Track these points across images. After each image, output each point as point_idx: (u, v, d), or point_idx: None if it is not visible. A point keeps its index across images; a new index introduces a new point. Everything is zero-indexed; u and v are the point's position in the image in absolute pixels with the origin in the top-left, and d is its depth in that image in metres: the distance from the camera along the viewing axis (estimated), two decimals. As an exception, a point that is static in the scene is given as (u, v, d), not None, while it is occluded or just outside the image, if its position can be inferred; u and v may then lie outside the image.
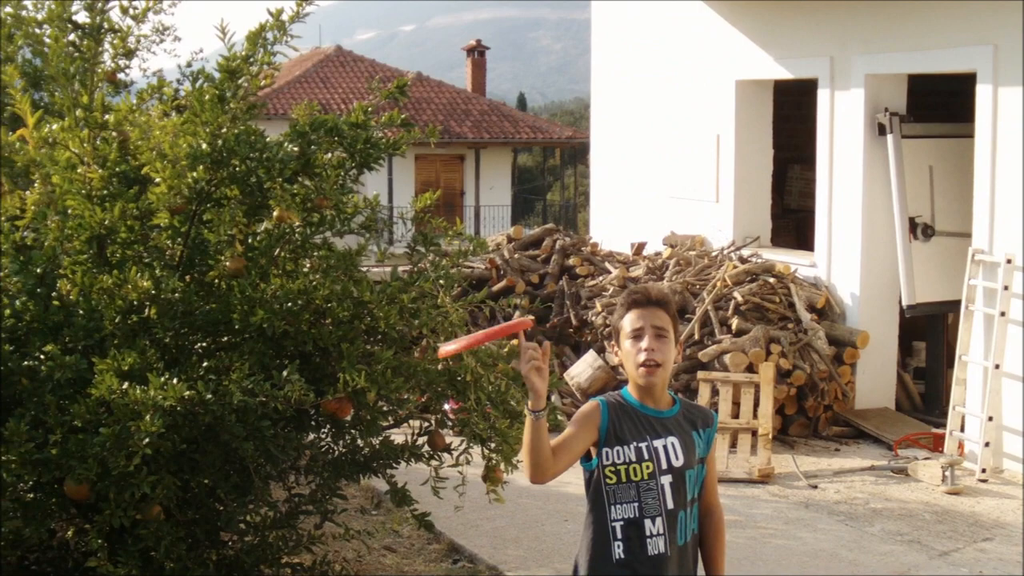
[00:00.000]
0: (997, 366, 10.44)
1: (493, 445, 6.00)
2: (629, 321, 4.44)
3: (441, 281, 6.01)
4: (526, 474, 4.20)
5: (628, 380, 4.48)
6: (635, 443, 4.34)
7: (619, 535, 4.32)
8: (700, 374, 11.22)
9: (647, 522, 4.31)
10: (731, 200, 13.73)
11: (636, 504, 4.32)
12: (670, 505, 4.33)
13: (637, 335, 4.40)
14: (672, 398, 4.51)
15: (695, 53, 14.32)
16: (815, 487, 10.10)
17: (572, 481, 4.36)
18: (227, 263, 5.72)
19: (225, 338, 5.70)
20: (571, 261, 13.73)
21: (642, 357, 4.37)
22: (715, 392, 11.11)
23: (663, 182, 14.91)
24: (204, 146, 5.66)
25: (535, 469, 4.16)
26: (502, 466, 6.00)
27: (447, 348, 4.35)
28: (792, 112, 14.56)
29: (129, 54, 6.74)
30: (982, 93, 10.68)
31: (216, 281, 5.81)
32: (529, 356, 4.08)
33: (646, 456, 4.33)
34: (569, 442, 4.27)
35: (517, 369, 4.77)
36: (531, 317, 4.55)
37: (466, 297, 6.40)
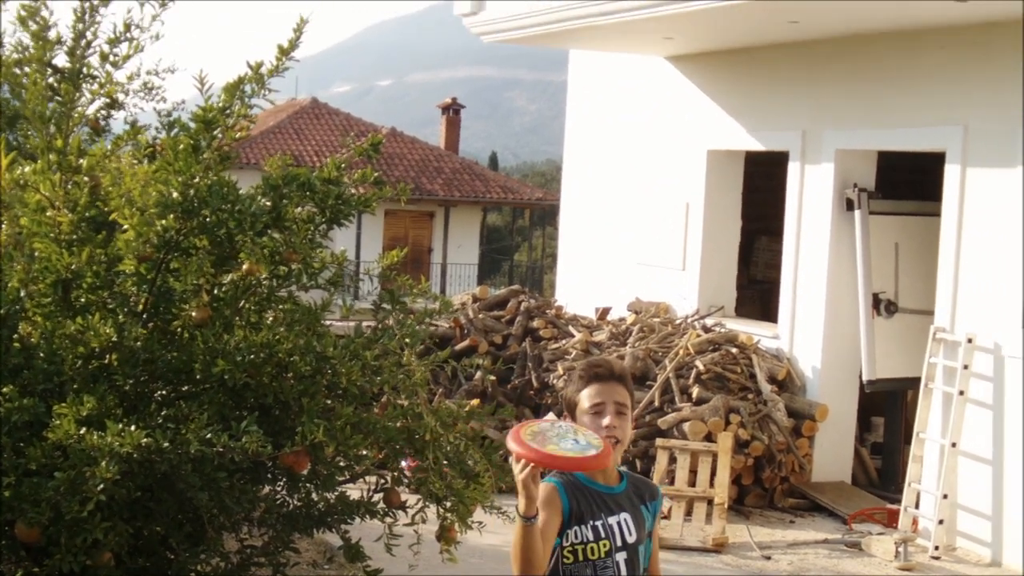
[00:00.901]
0: (954, 444, 10.50)
1: (449, 504, 6.00)
2: (588, 395, 4.39)
3: (407, 340, 6.02)
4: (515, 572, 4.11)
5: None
6: (592, 521, 4.27)
7: None
8: (659, 441, 11.25)
9: None
10: (697, 268, 13.83)
11: None
12: None
13: (598, 411, 4.35)
14: (619, 473, 4.46)
15: (669, 121, 14.45)
16: (768, 558, 10.12)
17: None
18: (192, 312, 5.73)
19: (185, 387, 5.69)
20: (535, 323, 13.76)
21: (603, 435, 4.29)
22: (673, 460, 11.15)
23: (631, 248, 15.00)
24: (175, 195, 5.67)
25: (531, 572, 4.08)
26: (456, 525, 6.00)
27: (516, 448, 4.12)
28: (762, 183, 14.68)
29: (114, 105, 6.75)
30: (950, 173, 10.80)
31: (179, 330, 5.81)
32: (519, 468, 4.03)
33: (603, 534, 4.28)
34: (546, 533, 4.17)
35: (496, 439, 4.60)
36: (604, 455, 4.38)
37: (429, 356, 6.41)
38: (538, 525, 4.06)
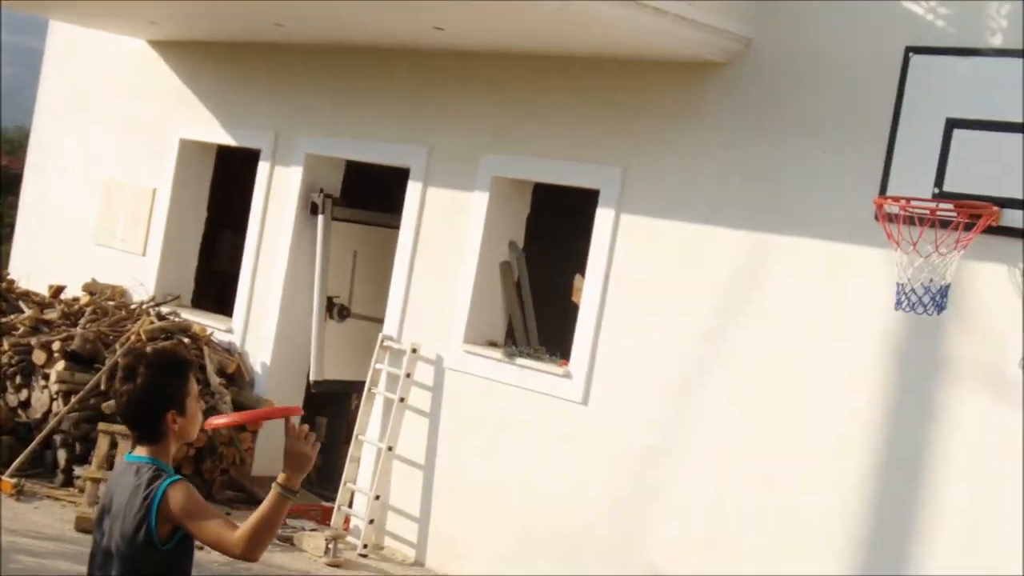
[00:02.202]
0: (391, 448, 10.96)
1: None
2: (193, 386, 4.61)
3: None
4: (253, 552, 4.30)
5: (167, 447, 4.56)
6: None
7: None
8: (101, 425, 11.09)
9: None
10: (158, 255, 13.77)
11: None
12: None
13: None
14: None
15: (146, 105, 14.32)
16: (200, 548, 10.18)
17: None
18: None
19: None
20: (-16, 295, 13.26)
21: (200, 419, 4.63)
22: (114, 444, 11.03)
23: (94, 228, 14.73)
24: None
25: (265, 548, 4.33)
26: None
27: (217, 421, 4.50)
28: (233, 177, 14.75)
29: None
30: (412, 189, 11.26)
31: None
32: (313, 440, 4.40)
33: None
34: None
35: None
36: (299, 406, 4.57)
37: None
38: None
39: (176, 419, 4.51)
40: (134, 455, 4.54)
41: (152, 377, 4.48)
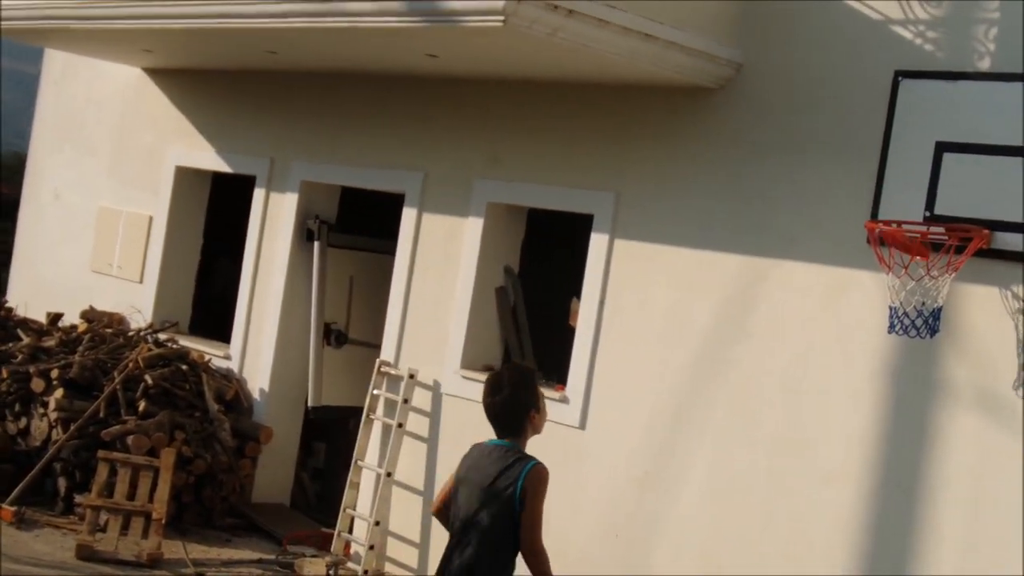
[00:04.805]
0: (389, 474, 10.97)
1: None
2: (541, 389, 6.14)
3: None
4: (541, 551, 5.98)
5: (525, 438, 6.08)
6: None
7: None
8: (101, 453, 11.12)
9: None
10: (155, 282, 13.81)
11: None
12: None
13: None
14: None
15: (141, 132, 14.37)
16: (202, 575, 10.24)
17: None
18: None
19: None
20: (-18, 324, 13.28)
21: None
22: (114, 472, 11.05)
23: (90, 254, 14.76)
24: None
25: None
26: None
27: None
28: (228, 204, 14.78)
29: None
30: (407, 215, 11.30)
31: None
32: None
33: None
34: None
35: None
36: None
37: None
38: None
39: (535, 416, 6.02)
40: (497, 440, 6.06)
41: (516, 386, 5.98)
